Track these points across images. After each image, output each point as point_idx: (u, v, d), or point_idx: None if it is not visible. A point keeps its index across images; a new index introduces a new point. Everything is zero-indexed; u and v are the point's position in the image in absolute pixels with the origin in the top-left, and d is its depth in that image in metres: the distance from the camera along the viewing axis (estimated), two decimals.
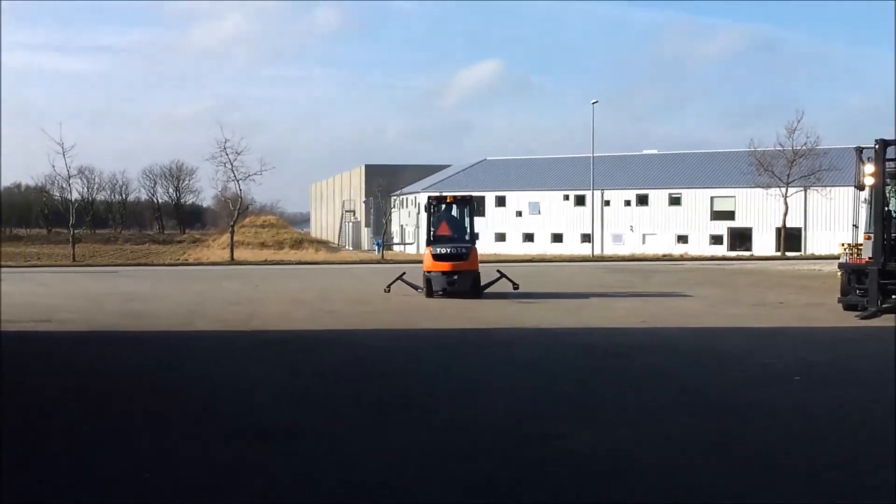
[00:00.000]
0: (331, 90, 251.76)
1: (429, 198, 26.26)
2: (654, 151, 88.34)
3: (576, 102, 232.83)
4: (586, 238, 72.98)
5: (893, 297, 19.26)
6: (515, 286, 24.79)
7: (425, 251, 24.61)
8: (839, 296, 19.96)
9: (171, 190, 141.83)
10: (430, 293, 23.99)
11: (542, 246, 78.25)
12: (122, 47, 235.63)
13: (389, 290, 25.25)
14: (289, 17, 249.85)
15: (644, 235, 77.45)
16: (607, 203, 78.52)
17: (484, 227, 78.55)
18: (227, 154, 56.20)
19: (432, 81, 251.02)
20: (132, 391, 10.73)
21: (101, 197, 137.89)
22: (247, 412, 9.37)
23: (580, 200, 78.65)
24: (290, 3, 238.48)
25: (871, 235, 19.51)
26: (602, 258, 59.81)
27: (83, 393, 10.64)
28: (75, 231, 58.87)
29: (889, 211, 19.87)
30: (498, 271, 25.55)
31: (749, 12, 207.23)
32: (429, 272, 24.06)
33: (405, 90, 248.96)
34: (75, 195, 65.75)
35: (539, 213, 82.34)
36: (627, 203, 79.05)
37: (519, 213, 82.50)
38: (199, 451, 7.72)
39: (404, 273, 26.26)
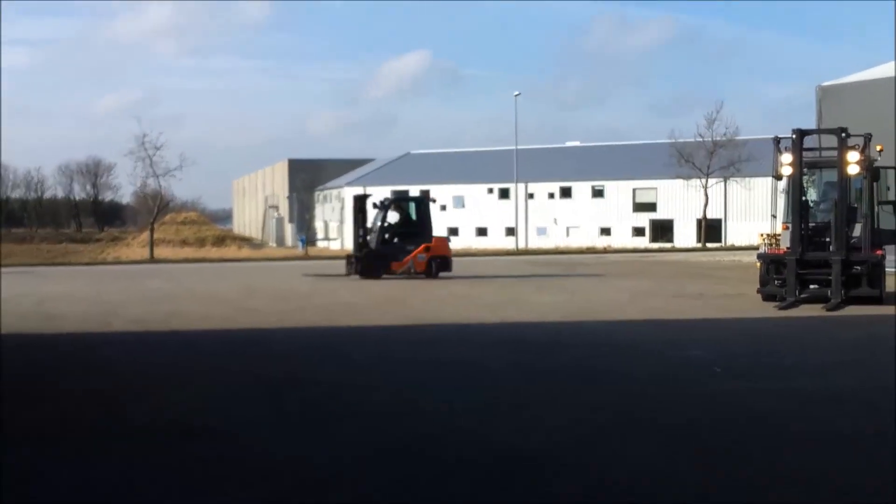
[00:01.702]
0: (256, 83, 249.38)
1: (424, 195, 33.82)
2: (577, 143, 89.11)
3: (505, 94, 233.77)
4: (511, 231, 73.32)
5: (811, 286, 19.54)
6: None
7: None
8: (758, 286, 20.15)
9: (88, 187, 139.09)
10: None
11: (467, 240, 78.43)
12: (40, 40, 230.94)
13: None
14: (216, 7, 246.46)
15: (568, 228, 78.08)
16: (531, 196, 78.98)
17: None
18: (145, 149, 55.34)
19: (359, 74, 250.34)
20: (35, 399, 10.35)
21: (15, 195, 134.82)
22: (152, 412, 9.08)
23: (504, 194, 78.99)
24: None
25: (789, 226, 19.75)
26: (526, 251, 60.14)
27: None
28: None
29: (806, 201, 20.13)
30: None
31: (673, 3, 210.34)
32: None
33: (331, 83, 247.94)
34: None
35: (463, 206, 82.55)
36: (551, 196, 79.62)
37: (443, 207, 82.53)
38: (118, 458, 7.42)
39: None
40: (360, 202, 30.38)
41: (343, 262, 30.93)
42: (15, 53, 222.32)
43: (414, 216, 30.40)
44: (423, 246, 29.24)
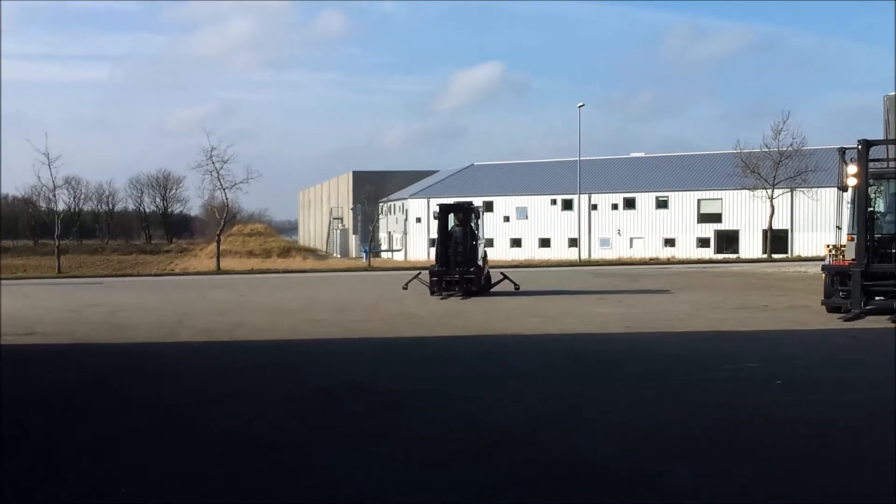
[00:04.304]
0: (328, 95, 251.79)
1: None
2: (642, 154, 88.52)
3: (575, 105, 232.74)
4: (573, 242, 73.02)
5: (876, 298, 19.25)
6: (517, 287, 28.08)
7: None
8: (823, 298, 19.93)
9: (157, 199, 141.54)
10: None
11: (530, 251, 78.33)
12: (120, 55, 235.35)
13: (406, 288, 28.18)
14: (294, 22, 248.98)
15: (631, 239, 77.55)
16: (594, 207, 78.59)
17: None
18: (213, 162, 56.14)
19: (432, 85, 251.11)
20: (103, 406, 10.64)
21: (87, 207, 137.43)
22: (222, 422, 9.29)
23: (567, 205, 78.71)
24: (297, 7, 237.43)
25: (855, 237, 19.50)
26: (589, 262, 59.86)
27: (51, 408, 10.55)
28: (62, 242, 58.62)
29: (872, 212, 19.86)
30: (501, 273, 29.43)
31: (749, 12, 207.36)
32: None
33: (403, 95, 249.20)
34: (61, 206, 65.30)
35: (526, 217, 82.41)
36: (615, 207, 79.15)
37: (506, 219, 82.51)
38: (179, 465, 7.63)
39: (420, 273, 29.11)
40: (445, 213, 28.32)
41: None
42: (96, 68, 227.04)
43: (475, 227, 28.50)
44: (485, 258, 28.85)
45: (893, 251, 19.19)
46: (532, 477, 7.08)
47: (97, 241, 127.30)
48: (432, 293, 26.84)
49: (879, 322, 17.80)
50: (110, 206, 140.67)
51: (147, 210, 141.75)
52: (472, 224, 28.18)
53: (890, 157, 21.41)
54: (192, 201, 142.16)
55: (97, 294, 31.66)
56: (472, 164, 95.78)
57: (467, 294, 26.43)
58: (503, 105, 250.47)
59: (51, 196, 61.53)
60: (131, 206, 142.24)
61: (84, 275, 52.34)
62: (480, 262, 27.83)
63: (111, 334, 18.23)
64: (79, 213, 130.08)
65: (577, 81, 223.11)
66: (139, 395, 11.25)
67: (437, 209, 28.69)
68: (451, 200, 32.03)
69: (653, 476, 7.10)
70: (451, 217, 28.20)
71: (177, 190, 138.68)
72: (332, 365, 13.71)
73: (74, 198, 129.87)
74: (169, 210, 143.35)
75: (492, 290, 28.20)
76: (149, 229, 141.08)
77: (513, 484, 6.91)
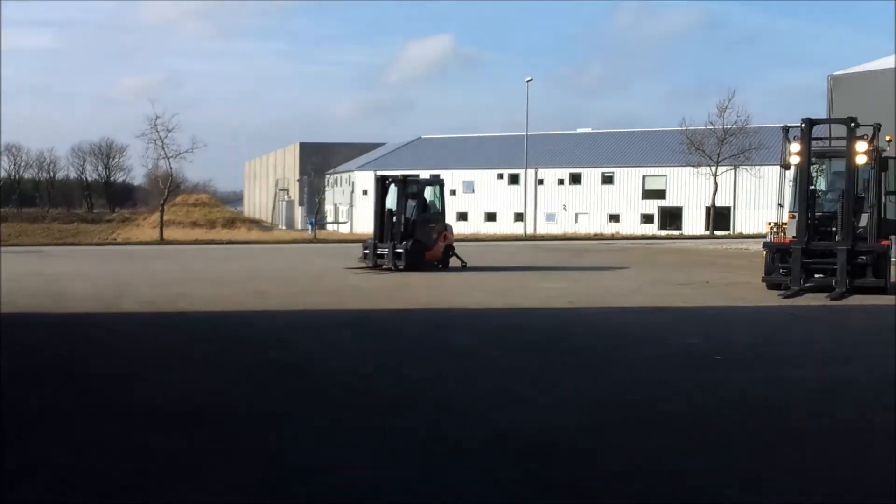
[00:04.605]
0: (277, 66, 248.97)
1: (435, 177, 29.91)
2: (589, 130, 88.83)
3: (523, 80, 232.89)
4: (519, 217, 73.23)
5: (816, 276, 19.54)
6: (464, 264, 27.52)
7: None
8: (763, 275, 20.18)
9: (100, 168, 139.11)
10: None
11: (476, 225, 78.38)
12: (64, 21, 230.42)
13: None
14: None
15: (577, 214, 77.94)
16: (541, 182, 78.83)
17: None
18: (157, 131, 55.38)
19: (381, 58, 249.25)
20: (39, 379, 10.46)
21: (28, 175, 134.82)
22: (160, 396, 9.18)
23: (514, 179, 78.86)
24: None
25: (796, 215, 19.76)
26: (534, 237, 60.11)
27: None
28: (0, 210, 57.54)
29: (814, 190, 20.14)
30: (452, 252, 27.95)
31: None
32: None
33: (352, 66, 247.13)
34: (1, 173, 64.15)
35: (473, 191, 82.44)
36: (561, 182, 79.46)
37: (453, 192, 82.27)
38: (110, 438, 7.52)
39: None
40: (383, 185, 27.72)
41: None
42: (41, 34, 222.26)
43: (434, 200, 28.29)
44: (443, 234, 27.64)
45: (833, 229, 19.48)
46: (475, 453, 7.08)
47: (37, 209, 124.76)
48: (367, 267, 26.11)
49: (818, 299, 18.06)
50: (51, 174, 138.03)
51: (89, 179, 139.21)
52: (431, 197, 28.05)
53: (833, 135, 21.64)
54: (135, 170, 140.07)
55: (37, 263, 31.11)
56: (420, 137, 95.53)
57: (395, 268, 25.52)
58: (453, 79, 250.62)
59: None
60: (73, 175, 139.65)
61: (23, 243, 51.49)
62: (432, 237, 27.04)
63: (51, 304, 17.93)
64: (19, 181, 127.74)
65: (527, 56, 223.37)
66: (78, 367, 11.07)
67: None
68: (397, 173, 31.64)
69: (588, 451, 7.13)
70: (397, 190, 27.36)
71: (120, 159, 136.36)
72: (277, 337, 13.60)
73: (14, 165, 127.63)
74: (112, 179, 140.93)
75: (439, 265, 27.23)
76: (91, 198, 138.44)
77: (456, 459, 6.90)
